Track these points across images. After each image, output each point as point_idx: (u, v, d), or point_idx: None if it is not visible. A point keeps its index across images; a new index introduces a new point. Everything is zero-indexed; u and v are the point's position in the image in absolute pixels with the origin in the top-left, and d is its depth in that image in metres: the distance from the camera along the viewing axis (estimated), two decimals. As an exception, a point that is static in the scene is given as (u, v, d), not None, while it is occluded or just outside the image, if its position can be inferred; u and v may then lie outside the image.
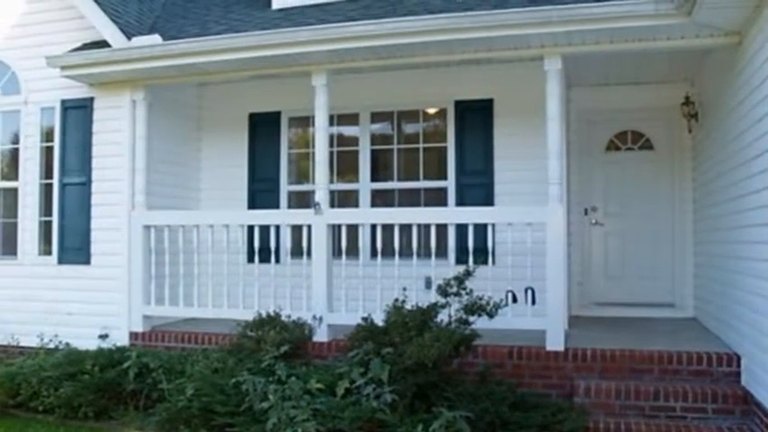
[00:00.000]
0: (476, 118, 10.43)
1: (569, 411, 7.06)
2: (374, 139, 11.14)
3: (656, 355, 7.65)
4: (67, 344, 9.68)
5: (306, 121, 11.14)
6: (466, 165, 10.46)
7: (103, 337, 9.60)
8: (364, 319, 7.85)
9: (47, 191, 10.50)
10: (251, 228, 9.93)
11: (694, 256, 10.48)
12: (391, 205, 10.79)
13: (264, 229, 9.52)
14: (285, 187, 11.39)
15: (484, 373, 7.71)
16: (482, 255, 8.17)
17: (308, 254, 9.09)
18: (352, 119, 11.12)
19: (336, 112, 10.14)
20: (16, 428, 8.02)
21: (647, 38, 7.94)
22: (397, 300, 7.63)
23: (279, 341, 7.92)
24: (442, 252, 8.82)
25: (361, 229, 9.09)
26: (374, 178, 11.06)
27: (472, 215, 8.77)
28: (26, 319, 10.25)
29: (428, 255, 8.67)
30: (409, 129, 11.06)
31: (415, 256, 8.68)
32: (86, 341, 9.51)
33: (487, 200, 10.16)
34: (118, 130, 10.02)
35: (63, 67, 9.81)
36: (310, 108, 9.19)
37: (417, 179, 10.86)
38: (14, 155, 10.85)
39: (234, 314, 9.18)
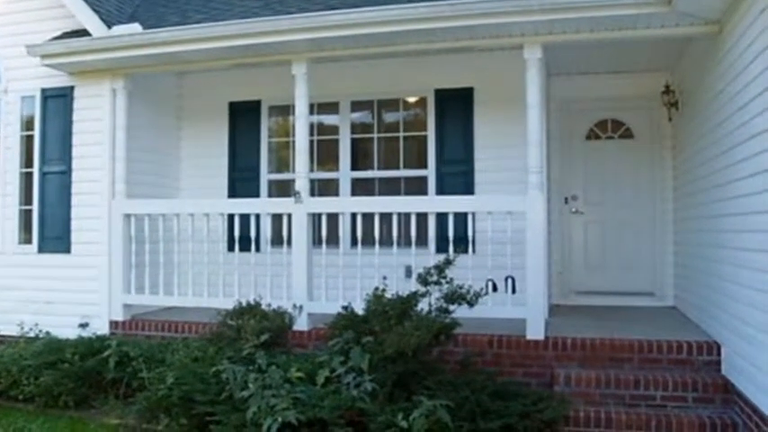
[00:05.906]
0: (456, 107, 10.43)
1: (549, 400, 7.05)
2: (354, 127, 11.11)
3: (636, 343, 7.67)
4: (48, 332, 9.66)
5: (286, 110, 11.12)
6: (446, 153, 10.46)
7: (84, 325, 9.58)
8: (344, 307, 7.88)
9: (27, 180, 10.44)
10: (231, 216, 9.89)
11: (674, 245, 10.54)
12: (371, 194, 10.77)
13: (244, 218, 9.50)
14: (265, 176, 11.36)
15: (464, 362, 7.74)
16: (462, 244, 8.18)
17: (289, 243, 9.08)
18: (332, 107, 11.10)
19: (316, 100, 10.14)
20: (-5, 417, 8.01)
21: (627, 27, 7.93)
22: (377, 288, 7.64)
23: (259, 330, 7.88)
24: (422, 241, 8.84)
25: (341, 218, 9.08)
26: (354, 167, 11.04)
27: (452, 204, 8.76)
28: (6, 308, 10.22)
29: (408, 244, 8.67)
30: (389, 117, 11.03)
31: (395, 245, 8.69)
32: (66, 330, 9.50)
33: (468, 189, 10.16)
34: (98, 119, 9.98)
35: (43, 56, 9.75)
36: (290, 97, 9.16)
37: (397, 168, 10.84)
38: (-6, 143, 10.77)
39: (214, 303, 9.17)
